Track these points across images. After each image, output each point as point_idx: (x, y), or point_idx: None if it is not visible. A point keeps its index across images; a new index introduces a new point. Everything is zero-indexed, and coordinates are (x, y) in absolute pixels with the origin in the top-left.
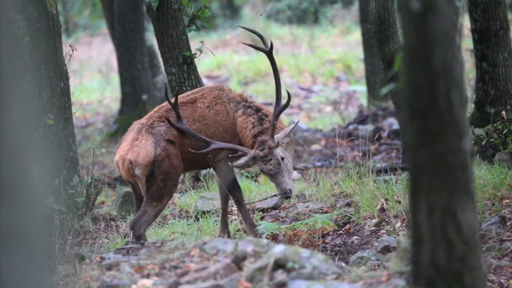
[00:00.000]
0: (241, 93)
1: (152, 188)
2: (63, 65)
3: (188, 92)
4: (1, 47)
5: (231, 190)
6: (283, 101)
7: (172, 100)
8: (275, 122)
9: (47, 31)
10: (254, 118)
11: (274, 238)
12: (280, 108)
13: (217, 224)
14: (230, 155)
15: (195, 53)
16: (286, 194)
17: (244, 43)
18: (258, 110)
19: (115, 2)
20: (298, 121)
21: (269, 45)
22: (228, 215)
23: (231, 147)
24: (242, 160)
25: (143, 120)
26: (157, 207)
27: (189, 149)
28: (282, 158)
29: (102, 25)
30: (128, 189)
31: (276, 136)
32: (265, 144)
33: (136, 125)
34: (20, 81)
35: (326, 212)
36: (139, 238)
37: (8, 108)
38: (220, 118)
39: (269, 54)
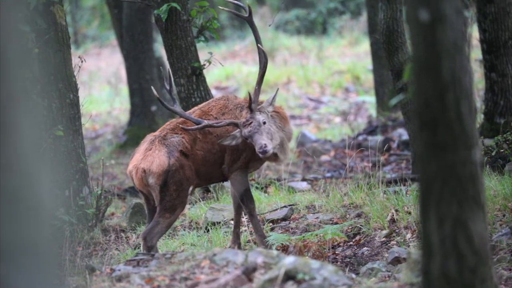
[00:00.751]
0: (245, 97)
1: (165, 199)
2: (72, 77)
3: (195, 108)
4: (11, 59)
5: (244, 200)
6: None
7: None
8: (256, 87)
9: (56, 43)
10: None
11: (284, 249)
12: (261, 71)
13: (227, 235)
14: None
15: (204, 64)
16: (261, 149)
17: (224, 9)
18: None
19: (124, 13)
20: (278, 89)
21: (248, 12)
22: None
23: (223, 124)
24: (227, 140)
25: (156, 132)
26: (170, 218)
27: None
28: (264, 122)
29: (111, 36)
30: (138, 200)
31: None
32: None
33: (149, 137)
34: (29, 92)
35: (336, 223)
36: (151, 249)
37: (18, 119)
38: (230, 127)
39: (249, 20)
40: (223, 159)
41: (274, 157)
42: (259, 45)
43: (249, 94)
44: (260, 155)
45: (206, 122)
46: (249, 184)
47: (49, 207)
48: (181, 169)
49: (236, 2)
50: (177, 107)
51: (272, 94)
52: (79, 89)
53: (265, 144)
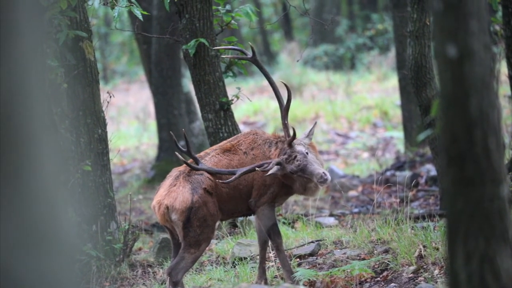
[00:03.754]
0: (274, 133)
1: (189, 235)
2: (100, 112)
3: (224, 141)
4: (40, 94)
5: (271, 235)
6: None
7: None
8: (286, 122)
9: (85, 78)
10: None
11: (311, 285)
12: (285, 105)
13: (254, 271)
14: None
15: (232, 100)
16: (322, 178)
17: (226, 56)
18: (279, 138)
19: (152, 49)
20: (316, 122)
21: (251, 52)
22: (266, 262)
23: (254, 166)
24: (271, 170)
25: (182, 167)
26: (195, 253)
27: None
28: (307, 153)
29: (140, 71)
30: (166, 235)
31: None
32: (284, 148)
33: (174, 172)
34: (58, 127)
35: (363, 259)
36: (176, 284)
37: (45, 154)
38: (258, 162)
39: (254, 60)
40: (249, 194)
41: (312, 190)
42: (283, 82)
43: (293, 129)
44: (321, 185)
45: (240, 170)
46: (276, 219)
47: (74, 242)
48: (205, 206)
49: (236, 48)
50: (203, 165)
51: (309, 127)
52: (107, 124)
53: (323, 172)
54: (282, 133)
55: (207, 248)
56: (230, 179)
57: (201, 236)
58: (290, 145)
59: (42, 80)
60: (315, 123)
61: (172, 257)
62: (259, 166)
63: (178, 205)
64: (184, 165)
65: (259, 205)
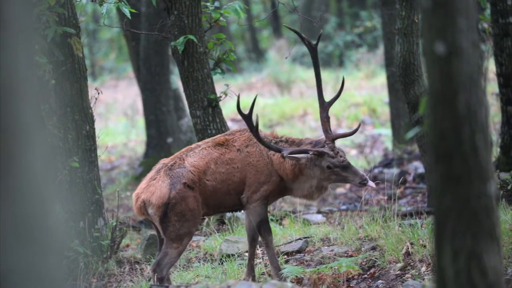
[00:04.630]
0: (271, 132)
1: (169, 229)
2: (88, 108)
3: (219, 135)
4: (27, 90)
5: (262, 232)
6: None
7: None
8: (328, 116)
9: (73, 74)
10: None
11: (298, 281)
12: (331, 100)
13: (241, 267)
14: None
15: (220, 96)
16: (365, 180)
17: (289, 28)
18: (287, 141)
19: (141, 45)
20: (360, 124)
21: (316, 41)
22: (254, 259)
23: (299, 150)
24: (301, 155)
25: (167, 159)
26: (178, 248)
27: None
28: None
29: (128, 68)
30: (153, 232)
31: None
32: (325, 142)
33: (159, 164)
34: (46, 124)
35: (351, 256)
36: (162, 280)
37: (33, 151)
38: (253, 159)
39: (314, 49)
40: (238, 190)
41: (316, 194)
42: (343, 77)
43: (324, 122)
44: (361, 186)
45: (287, 150)
46: (268, 216)
47: (63, 238)
48: (183, 201)
49: (299, 33)
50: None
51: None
52: (95, 120)
53: (364, 174)
54: (280, 133)
55: (194, 245)
56: (285, 152)
57: (181, 230)
58: (333, 140)
59: (30, 76)
60: (359, 124)
61: (158, 251)
62: (305, 152)
63: (154, 200)
64: (171, 157)
65: (251, 202)
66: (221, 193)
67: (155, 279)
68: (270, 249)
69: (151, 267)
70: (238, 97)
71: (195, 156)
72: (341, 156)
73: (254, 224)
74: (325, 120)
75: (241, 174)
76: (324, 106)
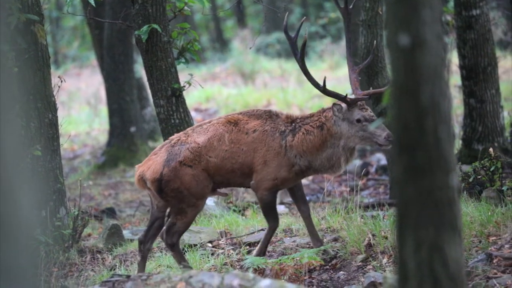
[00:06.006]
0: (288, 114)
1: (170, 204)
2: (51, 96)
3: (236, 112)
4: None
5: (269, 220)
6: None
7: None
8: (359, 77)
9: (36, 62)
10: (303, 129)
11: (260, 272)
12: (363, 64)
13: (203, 257)
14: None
15: (184, 86)
16: (391, 137)
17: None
18: (293, 121)
19: (104, 34)
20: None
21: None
22: (215, 249)
23: (337, 94)
24: (342, 105)
25: (180, 133)
26: (183, 219)
27: None
28: None
29: (91, 56)
30: (115, 221)
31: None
32: (356, 99)
33: (173, 136)
34: (8, 112)
35: (313, 247)
36: (172, 246)
37: (4, 139)
38: (261, 147)
39: (350, 13)
40: (244, 172)
41: (338, 166)
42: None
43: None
44: (385, 146)
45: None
46: (276, 204)
47: (26, 227)
48: (178, 178)
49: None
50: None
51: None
52: (58, 109)
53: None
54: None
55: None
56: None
57: (182, 205)
58: (362, 98)
59: None
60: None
61: (147, 226)
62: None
63: (148, 175)
64: (181, 132)
65: (259, 189)
66: (225, 170)
67: (166, 245)
68: (268, 234)
69: (160, 234)
70: (286, 16)
71: (201, 132)
72: (370, 112)
73: (262, 211)
74: (355, 80)
75: (246, 157)
76: (354, 69)
